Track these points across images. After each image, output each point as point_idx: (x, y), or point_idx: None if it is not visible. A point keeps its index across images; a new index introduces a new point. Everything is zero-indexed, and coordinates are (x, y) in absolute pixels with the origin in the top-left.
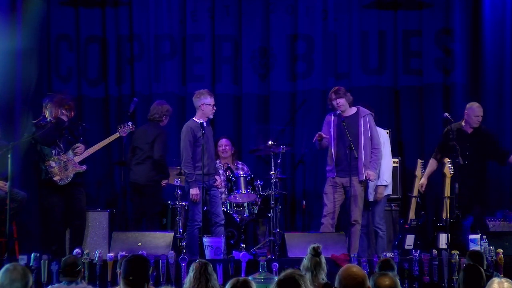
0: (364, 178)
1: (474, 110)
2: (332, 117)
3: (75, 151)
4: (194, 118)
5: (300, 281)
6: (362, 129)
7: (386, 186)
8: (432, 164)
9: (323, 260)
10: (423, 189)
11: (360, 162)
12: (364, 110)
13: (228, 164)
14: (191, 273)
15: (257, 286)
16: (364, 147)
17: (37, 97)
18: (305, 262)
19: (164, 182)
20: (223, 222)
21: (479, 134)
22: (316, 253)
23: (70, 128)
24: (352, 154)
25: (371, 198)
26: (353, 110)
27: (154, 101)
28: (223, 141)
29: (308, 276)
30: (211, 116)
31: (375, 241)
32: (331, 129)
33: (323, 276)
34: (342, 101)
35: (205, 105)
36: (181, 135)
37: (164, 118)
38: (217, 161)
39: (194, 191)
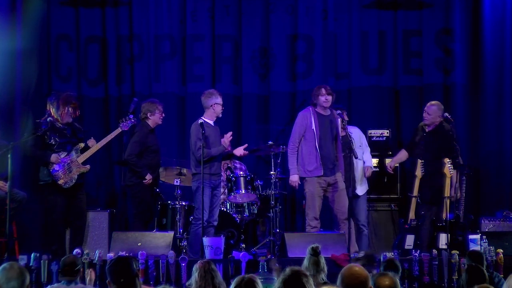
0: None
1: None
2: (311, 114)
3: (87, 142)
4: (202, 117)
5: (306, 285)
6: (340, 129)
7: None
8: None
9: (323, 260)
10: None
11: (341, 160)
12: (335, 111)
13: (227, 164)
14: (195, 273)
15: None
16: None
17: (37, 97)
18: (305, 262)
19: (146, 181)
20: (216, 223)
21: (437, 132)
22: (315, 253)
23: (73, 130)
24: (352, 154)
25: (358, 192)
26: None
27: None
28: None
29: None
30: (220, 115)
31: (361, 239)
32: (314, 127)
33: (322, 276)
34: (331, 98)
35: (216, 105)
36: (191, 133)
37: (149, 115)
38: None
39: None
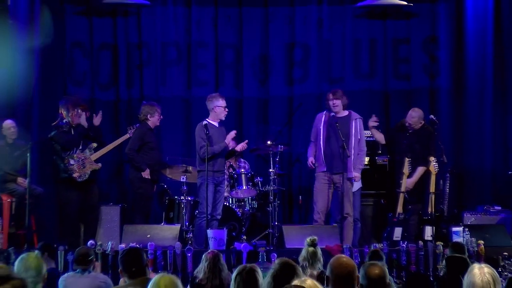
0: (352, 176)
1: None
2: (324, 116)
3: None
4: (207, 119)
5: (297, 270)
6: (353, 131)
7: None
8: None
9: (319, 251)
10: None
11: (349, 161)
12: (355, 114)
13: (230, 162)
14: (204, 263)
15: None
16: (354, 148)
17: (53, 100)
18: (303, 252)
19: (144, 175)
20: (219, 217)
21: (419, 133)
22: (312, 244)
23: (86, 129)
24: (345, 153)
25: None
26: (346, 112)
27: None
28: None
29: (306, 264)
30: (223, 118)
31: (355, 232)
32: (321, 127)
33: (319, 266)
34: (338, 102)
35: (217, 107)
36: (195, 133)
37: (149, 117)
38: None
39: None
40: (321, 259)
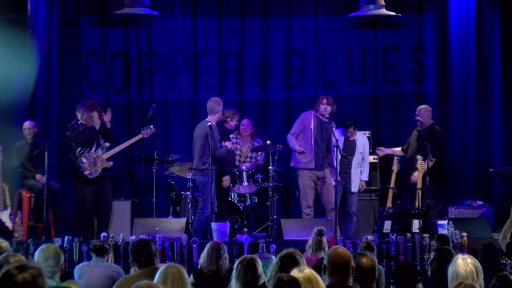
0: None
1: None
2: (312, 116)
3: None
4: (210, 120)
5: (299, 261)
6: (333, 135)
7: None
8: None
9: (324, 241)
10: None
11: (331, 159)
12: (333, 122)
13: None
14: (205, 251)
15: None
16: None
17: (69, 103)
18: (310, 241)
19: (225, 181)
20: (216, 209)
21: (429, 131)
22: (319, 233)
23: (100, 130)
24: (338, 151)
25: (353, 189)
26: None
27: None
28: (245, 121)
29: (310, 251)
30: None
31: (350, 225)
32: (312, 127)
33: (322, 254)
34: (329, 109)
35: (221, 111)
36: (204, 133)
37: (229, 120)
38: (236, 138)
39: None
40: (326, 249)
